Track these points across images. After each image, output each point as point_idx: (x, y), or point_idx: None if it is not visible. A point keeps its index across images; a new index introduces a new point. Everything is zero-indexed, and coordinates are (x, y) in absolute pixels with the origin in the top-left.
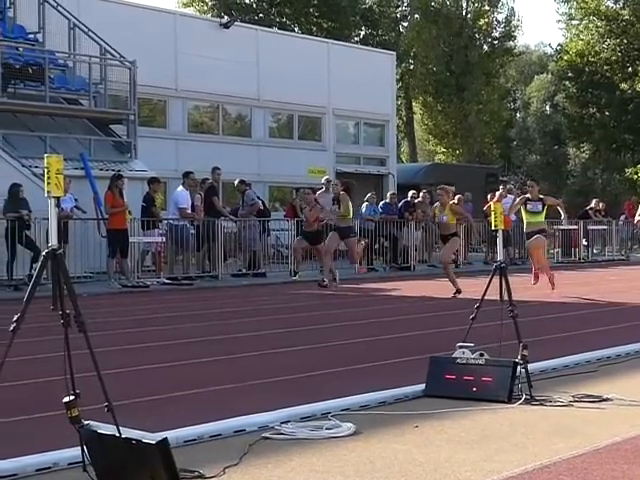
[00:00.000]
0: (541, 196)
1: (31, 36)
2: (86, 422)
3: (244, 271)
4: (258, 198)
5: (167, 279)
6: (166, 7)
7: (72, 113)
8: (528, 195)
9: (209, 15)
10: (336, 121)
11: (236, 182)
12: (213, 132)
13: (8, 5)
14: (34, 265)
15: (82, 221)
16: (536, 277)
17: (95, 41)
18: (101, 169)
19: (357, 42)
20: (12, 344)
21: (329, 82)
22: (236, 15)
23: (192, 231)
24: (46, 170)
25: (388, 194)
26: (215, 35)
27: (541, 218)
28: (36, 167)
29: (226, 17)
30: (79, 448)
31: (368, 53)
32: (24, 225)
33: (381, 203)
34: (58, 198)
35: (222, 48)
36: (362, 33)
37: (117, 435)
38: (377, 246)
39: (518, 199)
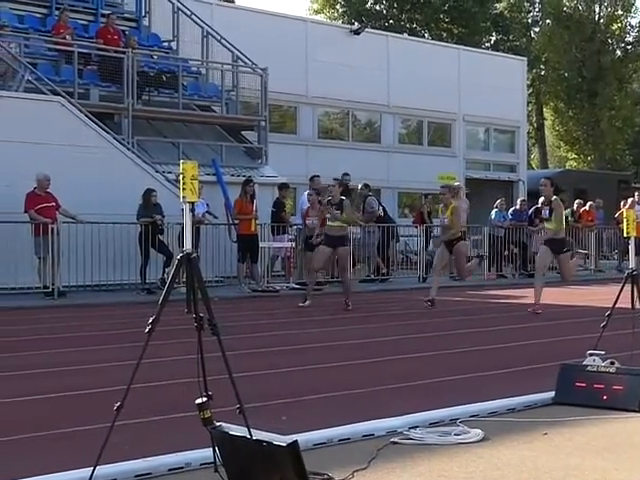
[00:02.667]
0: (554, 198)
1: (165, 44)
2: (218, 423)
3: (372, 277)
4: (380, 204)
5: (296, 284)
6: (297, 14)
7: (204, 120)
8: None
9: (339, 22)
10: (466, 127)
11: (360, 186)
12: (342, 138)
13: (143, 14)
14: (166, 269)
15: (213, 226)
16: None
17: (227, 48)
18: (232, 175)
19: (488, 48)
20: (147, 346)
21: (459, 88)
22: (366, 22)
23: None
24: (181, 176)
25: (518, 201)
26: (345, 41)
27: (551, 225)
28: (169, 173)
29: (356, 24)
30: (211, 449)
31: (499, 59)
32: (157, 230)
33: (511, 210)
34: (193, 203)
35: (352, 54)
36: (493, 39)
37: (248, 437)
38: (507, 253)
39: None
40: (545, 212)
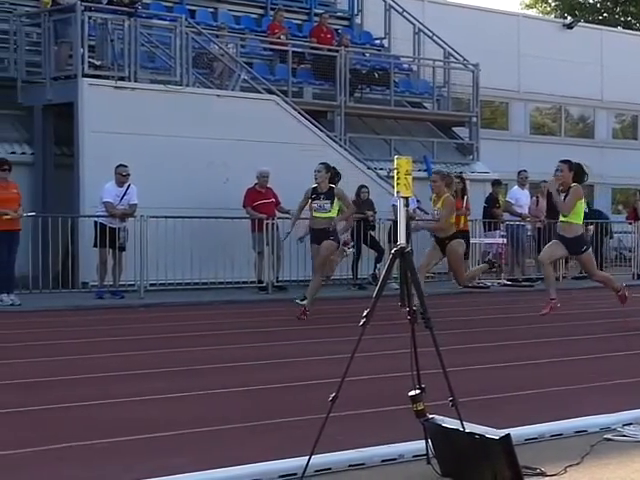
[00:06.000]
0: (573, 185)
1: (377, 42)
2: (431, 416)
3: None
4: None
5: (507, 280)
6: (509, 9)
7: (416, 116)
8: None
9: (552, 16)
10: None
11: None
12: (554, 134)
13: (356, 12)
14: (378, 265)
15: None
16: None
17: (439, 45)
18: None
19: None
20: (361, 339)
21: None
22: (579, 15)
23: (529, 233)
24: (396, 171)
25: None
26: (558, 36)
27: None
28: (381, 169)
29: (569, 17)
30: (423, 441)
31: None
32: (369, 226)
33: None
34: (407, 198)
35: (565, 49)
36: None
37: (461, 429)
38: None
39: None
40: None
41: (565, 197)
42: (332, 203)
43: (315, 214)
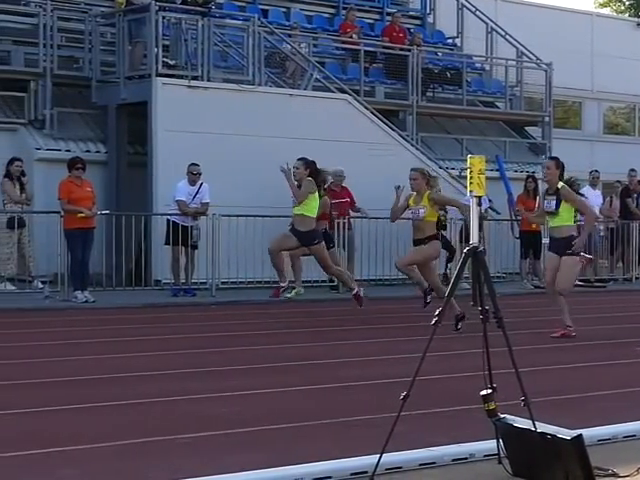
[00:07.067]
0: (560, 185)
1: (449, 41)
2: (502, 415)
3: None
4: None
5: (579, 281)
6: (582, 8)
7: (488, 116)
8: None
9: (626, 15)
10: None
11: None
12: (628, 133)
13: (428, 11)
14: (449, 265)
15: (496, 222)
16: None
17: (512, 44)
18: (515, 170)
19: None
20: (433, 338)
21: None
22: None
23: (601, 233)
24: (469, 170)
25: None
26: (632, 35)
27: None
28: (452, 169)
29: None
30: (494, 441)
31: None
32: (440, 225)
33: None
34: (479, 197)
35: (639, 48)
36: None
37: (532, 429)
38: None
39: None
40: (550, 204)
41: (558, 202)
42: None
43: (294, 211)
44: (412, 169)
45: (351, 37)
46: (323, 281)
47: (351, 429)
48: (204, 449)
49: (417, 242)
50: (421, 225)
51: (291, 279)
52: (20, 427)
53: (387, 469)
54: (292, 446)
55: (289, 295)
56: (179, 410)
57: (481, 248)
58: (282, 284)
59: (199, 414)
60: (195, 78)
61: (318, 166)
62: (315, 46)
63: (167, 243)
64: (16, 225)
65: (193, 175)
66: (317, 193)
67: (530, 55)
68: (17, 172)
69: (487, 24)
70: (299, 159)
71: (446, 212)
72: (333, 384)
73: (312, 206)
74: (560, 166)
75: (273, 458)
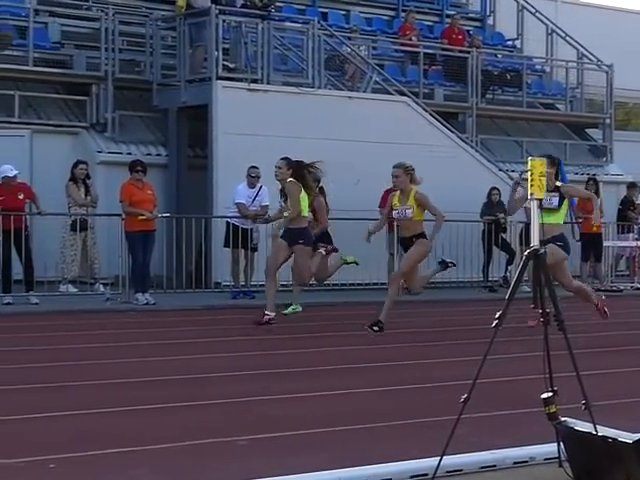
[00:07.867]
0: (558, 184)
1: (509, 42)
2: (563, 419)
3: None
4: None
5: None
6: None
7: (548, 118)
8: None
9: None
10: None
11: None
12: None
13: (488, 13)
14: (509, 267)
15: None
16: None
17: (572, 46)
18: (576, 173)
19: None
20: (493, 341)
21: None
22: None
23: None
24: (529, 172)
25: None
26: None
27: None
28: (512, 171)
29: None
30: (555, 444)
31: None
32: (500, 228)
33: None
34: (540, 200)
35: None
36: None
37: (593, 433)
38: None
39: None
40: (551, 200)
41: (561, 198)
42: (286, 201)
43: (284, 214)
44: (394, 166)
45: (410, 39)
46: (382, 283)
47: (411, 431)
48: (268, 449)
49: (404, 240)
50: (408, 224)
51: (285, 302)
52: (95, 426)
53: (447, 472)
54: (352, 448)
55: (286, 312)
56: (247, 410)
57: (542, 251)
58: (268, 313)
59: (265, 415)
60: (255, 81)
61: (318, 165)
62: (374, 48)
63: (227, 245)
64: (78, 228)
65: (252, 178)
66: (303, 191)
67: (591, 57)
68: (82, 175)
69: (547, 25)
70: (282, 158)
71: (506, 214)
72: (395, 386)
73: (302, 206)
74: (556, 164)
75: (333, 460)
